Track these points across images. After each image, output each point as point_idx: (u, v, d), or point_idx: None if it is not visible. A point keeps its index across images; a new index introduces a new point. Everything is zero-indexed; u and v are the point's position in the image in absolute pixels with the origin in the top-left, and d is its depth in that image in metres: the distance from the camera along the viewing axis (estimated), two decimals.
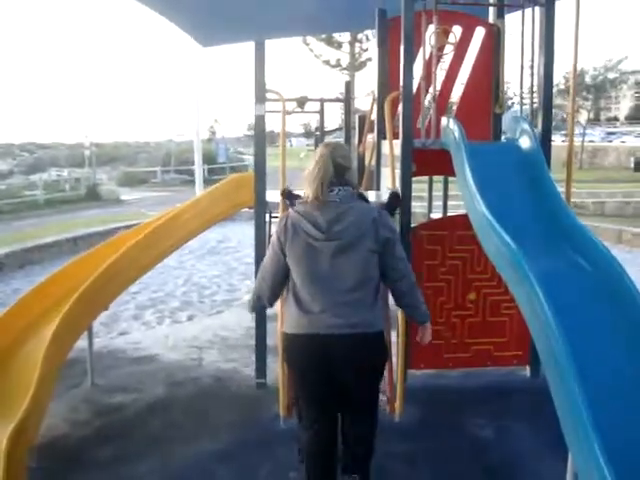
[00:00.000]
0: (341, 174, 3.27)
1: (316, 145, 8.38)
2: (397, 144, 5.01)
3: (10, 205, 24.48)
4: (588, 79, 41.10)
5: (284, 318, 3.37)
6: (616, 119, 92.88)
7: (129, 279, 5.25)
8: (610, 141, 51.39)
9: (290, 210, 3.36)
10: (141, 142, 65.57)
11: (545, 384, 3.05)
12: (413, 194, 4.92)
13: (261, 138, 5.08)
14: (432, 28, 5.13)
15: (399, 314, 4.59)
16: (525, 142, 4.65)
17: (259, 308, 3.58)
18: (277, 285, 3.33)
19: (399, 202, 4.54)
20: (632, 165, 36.86)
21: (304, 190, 3.28)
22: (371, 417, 3.48)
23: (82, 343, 5.25)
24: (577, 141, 31.31)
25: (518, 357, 5.32)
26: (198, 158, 15.40)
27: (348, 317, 3.16)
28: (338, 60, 27.79)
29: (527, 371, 5.38)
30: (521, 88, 5.24)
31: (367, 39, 26.18)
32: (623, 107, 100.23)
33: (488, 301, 5.17)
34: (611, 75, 47.73)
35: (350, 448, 3.53)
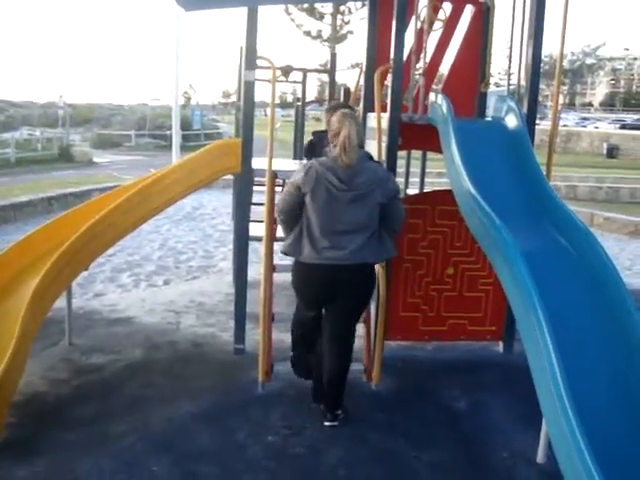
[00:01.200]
0: (359, 139, 3.95)
1: (296, 116, 8.36)
2: (384, 117, 5.04)
3: None
4: (565, 63, 41.37)
5: (296, 250, 4.01)
6: (591, 105, 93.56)
7: (110, 240, 5.20)
8: (584, 126, 51.85)
9: (314, 161, 4.00)
10: (115, 105, 64.58)
11: (518, 360, 3.15)
12: None
13: (250, 104, 5.06)
14: (423, 2, 5.17)
15: (381, 288, 4.66)
16: (511, 121, 4.71)
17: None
18: (291, 220, 4.06)
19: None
20: (604, 151, 37.33)
21: (331, 147, 3.95)
22: (349, 344, 4.22)
23: (59, 303, 5.24)
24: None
25: (492, 332, 5.42)
26: (176, 124, 15.33)
27: (353, 251, 3.91)
28: (319, 32, 27.68)
29: (500, 347, 5.50)
30: (509, 67, 5.29)
31: (349, 11, 26.08)
32: (598, 93, 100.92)
33: (466, 276, 5.25)
34: (588, 61, 48.13)
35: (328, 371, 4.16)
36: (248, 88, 4.99)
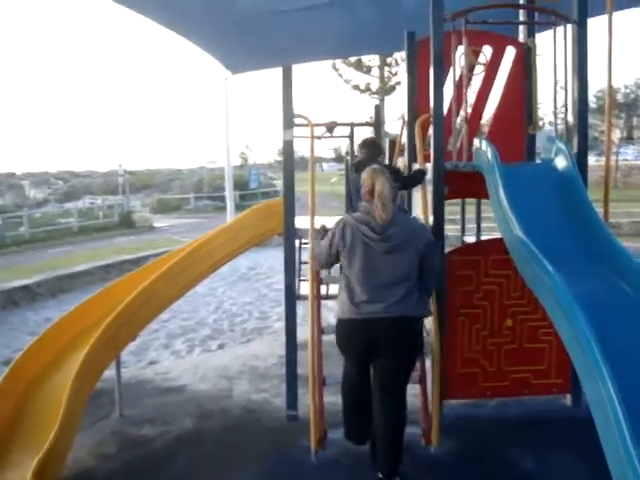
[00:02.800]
0: (392, 193, 3.94)
1: (346, 169, 8.28)
2: (428, 167, 4.91)
3: (45, 233, 24.79)
4: (620, 97, 40.58)
5: (337, 308, 4.05)
6: None
7: (157, 308, 5.17)
8: None
9: (347, 217, 4.05)
10: (174, 169, 66.18)
11: (587, 413, 2.89)
12: (446, 217, 4.81)
13: (290, 164, 4.99)
14: (462, 49, 5.05)
15: (434, 344, 4.46)
16: (561, 162, 4.50)
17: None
18: (333, 263, 4.14)
19: (423, 179, 5.05)
20: None
21: (363, 203, 3.97)
22: (401, 400, 4.07)
23: (110, 373, 5.20)
24: (611, 160, 30.76)
25: (558, 385, 5.11)
26: (229, 185, 15.40)
27: (392, 304, 3.83)
28: (368, 84, 27.90)
29: (568, 400, 5.18)
30: (555, 107, 5.10)
31: (396, 63, 26.23)
32: None
33: (526, 327, 4.99)
34: None
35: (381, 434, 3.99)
36: (287, 147, 4.92)
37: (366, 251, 3.88)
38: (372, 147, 5.28)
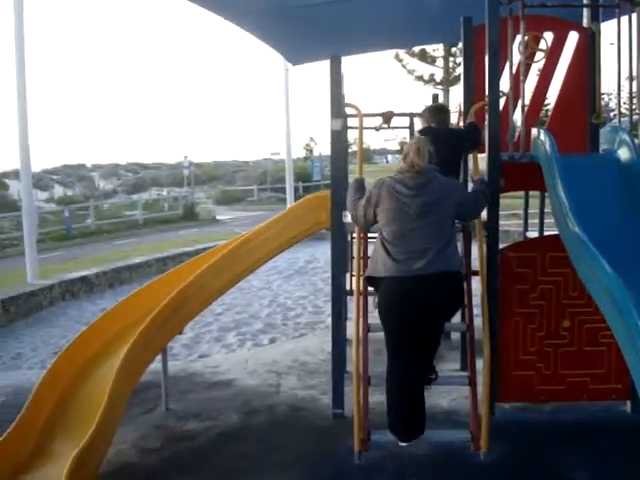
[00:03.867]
0: (429, 157, 4.02)
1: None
2: (483, 158, 4.70)
3: (110, 225, 25.29)
4: None
5: (371, 266, 4.07)
6: None
7: (203, 302, 5.12)
8: None
9: (385, 178, 4.10)
10: (239, 161, 66.72)
11: None
12: (507, 212, 4.60)
13: (338, 154, 4.84)
14: (520, 35, 4.81)
15: (484, 344, 4.26)
16: (624, 154, 4.24)
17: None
18: (370, 222, 4.18)
19: (478, 133, 4.83)
20: None
21: (400, 163, 4.09)
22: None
23: (160, 365, 5.16)
24: None
25: (617, 391, 4.82)
26: (289, 177, 15.36)
27: (429, 261, 3.84)
28: (432, 75, 27.48)
29: (627, 406, 4.90)
30: (619, 96, 4.81)
31: (461, 53, 25.77)
32: None
33: (584, 329, 4.72)
34: None
35: None
36: (335, 137, 4.77)
37: (400, 208, 3.94)
38: (435, 113, 5.00)
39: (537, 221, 7.61)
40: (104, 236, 23.00)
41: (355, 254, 4.65)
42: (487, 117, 4.62)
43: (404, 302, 3.89)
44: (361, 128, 4.80)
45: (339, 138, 4.79)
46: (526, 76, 4.79)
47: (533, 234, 8.15)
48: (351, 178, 4.99)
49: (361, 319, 4.36)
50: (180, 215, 29.09)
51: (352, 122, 5.64)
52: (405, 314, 3.91)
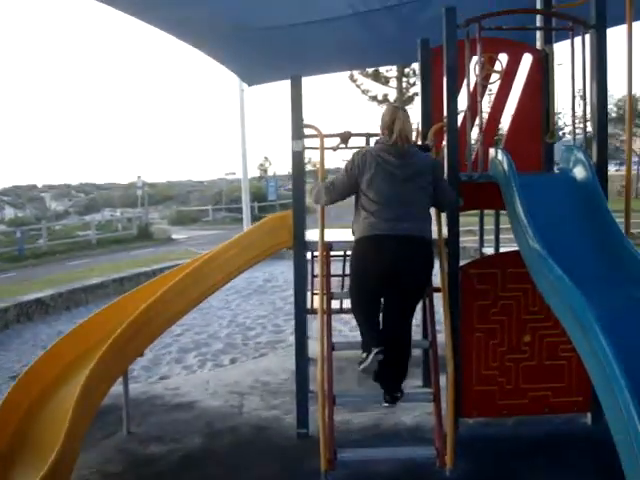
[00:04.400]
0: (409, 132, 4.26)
1: None
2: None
3: (64, 246, 24.90)
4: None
5: (357, 230, 4.23)
6: None
7: (166, 323, 5.05)
8: None
9: (368, 147, 4.42)
10: (194, 181, 66.37)
11: (608, 433, 2.75)
12: (463, 228, 4.68)
13: (299, 175, 4.86)
14: (476, 57, 4.91)
15: (448, 360, 4.30)
16: (580, 173, 4.36)
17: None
18: (337, 199, 4.39)
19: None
20: None
21: (382, 135, 4.25)
22: (409, 324, 4.28)
23: (119, 389, 5.09)
24: (613, 169, 30.46)
25: (578, 403, 4.92)
26: (245, 197, 15.30)
27: (409, 224, 4.08)
28: (385, 95, 27.76)
29: (588, 418, 4.99)
30: (573, 116, 4.94)
31: (414, 73, 26.09)
32: None
33: (545, 343, 4.81)
34: None
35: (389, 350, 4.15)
36: (296, 158, 4.80)
37: (386, 176, 4.12)
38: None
39: (493, 237, 7.75)
40: (57, 257, 22.61)
41: (318, 272, 4.66)
42: (446, 137, 4.70)
43: (390, 258, 4.07)
44: (322, 149, 4.84)
45: (300, 159, 4.82)
46: (482, 97, 4.89)
47: (489, 250, 8.29)
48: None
49: (325, 337, 4.37)
50: (134, 235, 28.79)
51: (308, 142, 5.66)
52: (389, 269, 4.09)
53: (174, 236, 29.42)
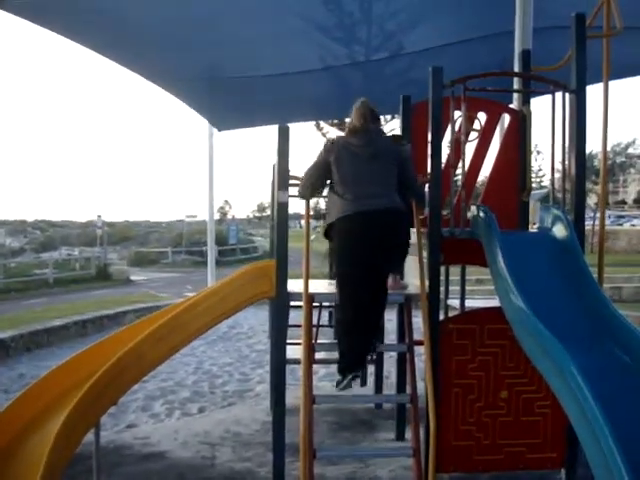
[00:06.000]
0: (373, 117, 4.71)
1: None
2: (424, 233, 4.85)
3: (20, 284, 24.39)
4: (596, 163, 41.30)
5: (331, 214, 4.60)
6: (624, 202, 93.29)
7: (139, 373, 4.96)
8: (620, 224, 51.32)
9: (334, 137, 4.81)
10: (153, 222, 65.92)
11: None
12: None
13: (284, 226, 4.86)
14: (458, 114, 5.02)
15: (430, 414, 4.31)
16: (559, 231, 4.46)
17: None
18: (315, 188, 4.80)
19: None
20: None
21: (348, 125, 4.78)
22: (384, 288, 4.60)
23: (88, 437, 4.94)
24: (588, 225, 31.26)
25: (552, 460, 4.93)
26: (211, 240, 15.25)
27: (380, 199, 4.46)
28: None
29: (562, 475, 5.00)
30: (552, 175, 5.07)
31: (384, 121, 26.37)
32: (631, 191, 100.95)
33: (521, 399, 4.84)
34: (619, 159, 48.13)
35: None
36: (281, 209, 4.81)
37: (354, 158, 4.54)
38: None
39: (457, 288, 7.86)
40: (12, 295, 22.12)
41: (303, 322, 4.64)
42: (428, 192, 4.77)
43: (364, 234, 4.43)
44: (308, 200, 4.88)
45: (285, 209, 4.83)
46: (464, 154, 4.99)
47: (454, 301, 8.37)
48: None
49: (307, 390, 4.35)
50: (93, 275, 28.37)
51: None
52: (365, 246, 4.43)
53: (133, 277, 29.08)
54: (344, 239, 4.52)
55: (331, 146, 4.65)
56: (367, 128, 4.62)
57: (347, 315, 4.51)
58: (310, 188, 4.78)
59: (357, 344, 4.54)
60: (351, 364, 4.54)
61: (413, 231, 4.93)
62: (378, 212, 4.42)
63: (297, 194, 4.84)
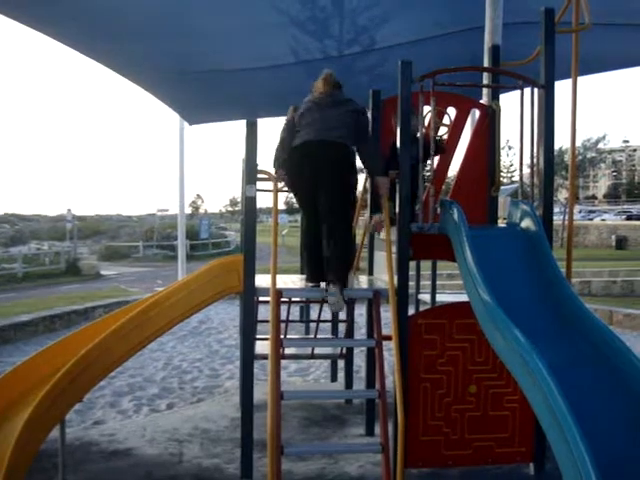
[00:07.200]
0: (337, 86, 5.09)
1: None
2: (393, 228, 4.84)
3: None
4: (567, 158, 41.74)
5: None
6: (595, 197, 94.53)
7: (107, 368, 4.89)
8: (591, 219, 51.98)
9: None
10: (125, 216, 65.37)
11: None
12: None
13: (252, 221, 4.82)
14: (428, 109, 5.02)
15: (398, 410, 4.31)
16: (527, 226, 4.48)
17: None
18: (289, 146, 4.96)
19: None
20: (613, 243, 37.21)
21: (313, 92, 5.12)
22: (343, 227, 4.89)
23: (53, 433, 4.86)
24: (558, 219, 31.68)
25: (521, 454, 4.96)
26: (181, 234, 15.12)
27: (324, 132, 4.83)
28: None
29: (531, 469, 5.03)
30: (521, 170, 5.08)
31: None
32: (601, 186, 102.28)
33: (490, 394, 4.86)
34: (590, 154, 48.68)
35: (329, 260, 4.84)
36: (249, 203, 4.77)
37: (315, 107, 4.95)
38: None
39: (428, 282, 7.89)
40: None
41: (270, 317, 4.61)
42: (398, 188, 4.75)
43: (301, 164, 4.85)
44: (276, 192, 4.84)
45: (253, 204, 4.79)
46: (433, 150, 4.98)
47: (425, 296, 8.40)
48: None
49: (275, 386, 4.31)
50: (62, 270, 28.03)
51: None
52: (302, 177, 4.89)
53: (103, 272, 28.77)
54: (288, 168, 4.95)
55: (296, 107, 5.11)
56: (331, 92, 5.00)
57: (303, 240, 5.38)
58: (281, 150, 4.98)
59: (310, 266, 5.12)
60: (309, 278, 5.14)
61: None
62: (316, 142, 4.81)
63: (272, 164, 5.05)
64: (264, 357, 5.19)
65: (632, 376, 3.35)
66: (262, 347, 5.70)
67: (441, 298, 8.00)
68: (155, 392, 7.82)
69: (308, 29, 8.91)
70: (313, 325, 6.62)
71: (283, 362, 5.35)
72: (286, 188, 5.44)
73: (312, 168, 4.79)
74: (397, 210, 4.71)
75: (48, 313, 12.07)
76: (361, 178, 5.65)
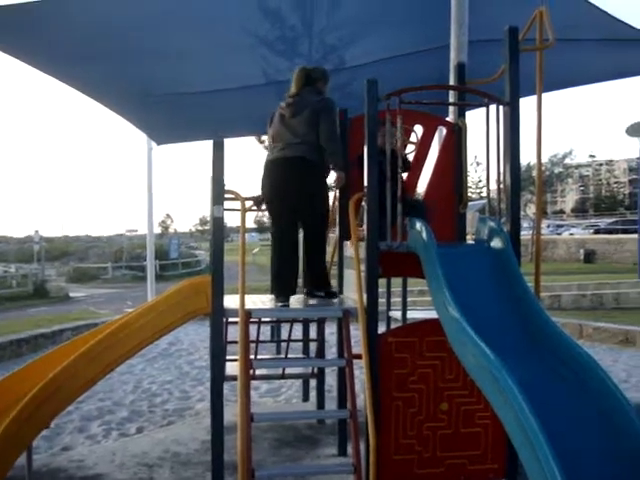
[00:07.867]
0: (308, 81, 5.37)
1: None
2: (362, 246, 4.82)
3: None
4: (534, 174, 42.23)
5: None
6: (562, 212, 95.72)
7: (74, 393, 4.81)
8: (559, 234, 52.55)
9: None
10: (93, 236, 64.75)
11: None
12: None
13: (219, 241, 4.78)
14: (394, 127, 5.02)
15: (369, 429, 4.28)
16: (496, 243, 4.49)
17: None
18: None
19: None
20: (582, 257, 37.64)
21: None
22: (318, 231, 5.37)
23: (20, 460, 4.75)
24: (527, 234, 31.99)
25: (494, 471, 4.95)
26: (150, 255, 14.98)
27: (289, 149, 5.16)
28: None
29: None
30: (488, 186, 5.11)
31: None
32: (569, 200, 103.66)
33: (461, 411, 4.85)
34: (557, 169, 49.32)
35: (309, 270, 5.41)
36: (217, 224, 4.73)
37: (280, 119, 5.27)
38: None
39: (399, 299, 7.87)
40: None
41: (239, 339, 4.56)
42: (366, 207, 4.75)
43: (269, 181, 5.23)
44: (243, 212, 4.81)
45: (221, 224, 4.75)
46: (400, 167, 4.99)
47: (397, 313, 8.38)
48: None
49: (245, 407, 4.27)
50: (30, 292, 27.59)
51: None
52: (271, 192, 5.25)
53: (72, 294, 28.36)
54: (262, 180, 5.33)
55: (271, 115, 5.43)
56: (299, 93, 5.27)
57: (273, 255, 5.38)
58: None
59: (280, 281, 5.26)
60: (279, 295, 5.21)
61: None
62: (280, 159, 5.14)
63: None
64: (234, 378, 5.13)
65: (600, 391, 3.35)
66: (232, 368, 5.63)
67: (412, 315, 7.97)
68: (125, 416, 7.71)
69: (277, 49, 8.93)
70: (285, 344, 6.57)
71: (254, 383, 5.31)
72: (255, 207, 5.44)
73: (278, 189, 5.20)
74: (365, 227, 4.70)
75: (15, 337, 11.85)
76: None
